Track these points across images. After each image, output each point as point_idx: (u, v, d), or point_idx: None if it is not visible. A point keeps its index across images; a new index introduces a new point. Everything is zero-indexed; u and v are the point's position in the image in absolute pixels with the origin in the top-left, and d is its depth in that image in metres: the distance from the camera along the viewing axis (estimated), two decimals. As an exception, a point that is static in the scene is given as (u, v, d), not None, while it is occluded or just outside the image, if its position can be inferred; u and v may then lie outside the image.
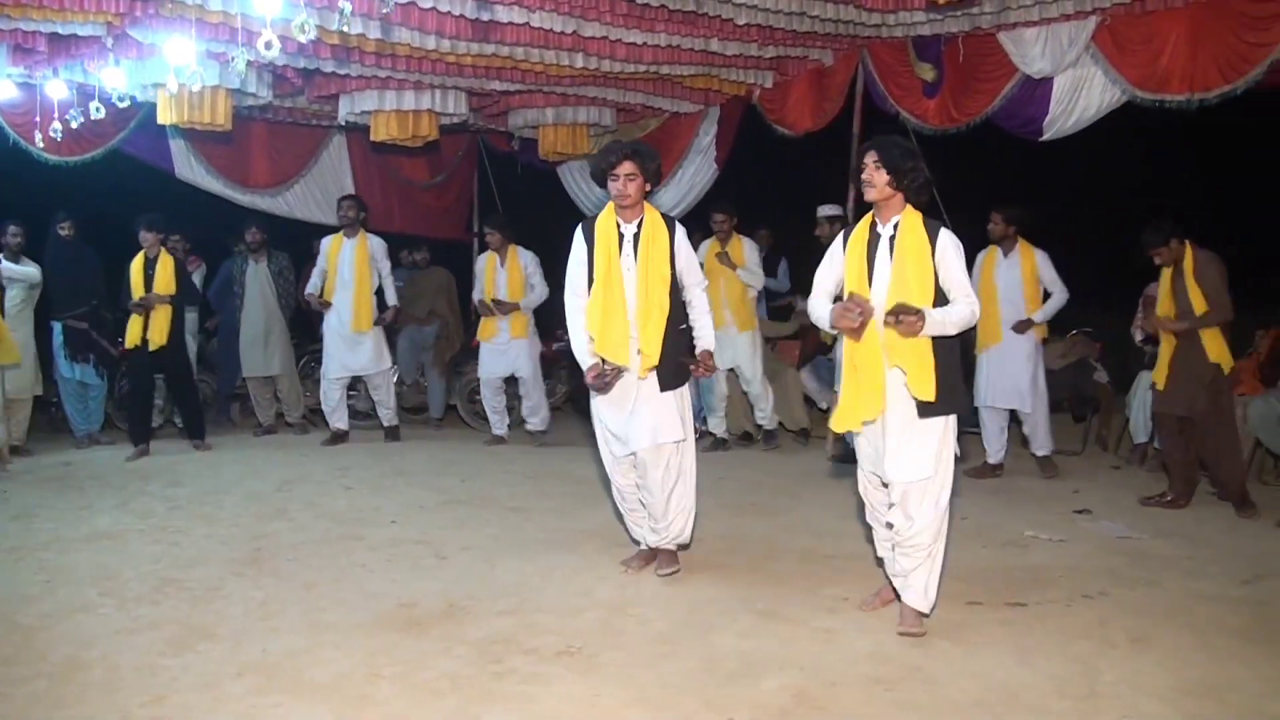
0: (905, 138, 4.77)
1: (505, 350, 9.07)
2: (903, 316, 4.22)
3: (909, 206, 4.47)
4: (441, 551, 5.76)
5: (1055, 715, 3.71)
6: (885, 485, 4.58)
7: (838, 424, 4.70)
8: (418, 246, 11.03)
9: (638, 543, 5.56)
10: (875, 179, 4.44)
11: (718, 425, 8.97)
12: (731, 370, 8.73)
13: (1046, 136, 7.82)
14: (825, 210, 8.73)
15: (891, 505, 4.54)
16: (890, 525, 4.56)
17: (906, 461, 4.42)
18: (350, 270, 9.01)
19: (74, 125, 8.10)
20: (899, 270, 4.39)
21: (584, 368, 5.24)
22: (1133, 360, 8.37)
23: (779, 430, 9.12)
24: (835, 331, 4.71)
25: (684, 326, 5.32)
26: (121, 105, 7.74)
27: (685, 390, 5.36)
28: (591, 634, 4.47)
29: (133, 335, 8.53)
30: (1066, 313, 7.80)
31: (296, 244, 10.31)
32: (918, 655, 4.23)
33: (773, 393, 8.92)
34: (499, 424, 9.34)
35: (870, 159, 4.46)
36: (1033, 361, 7.63)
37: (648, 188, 5.19)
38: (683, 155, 10.12)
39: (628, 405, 5.23)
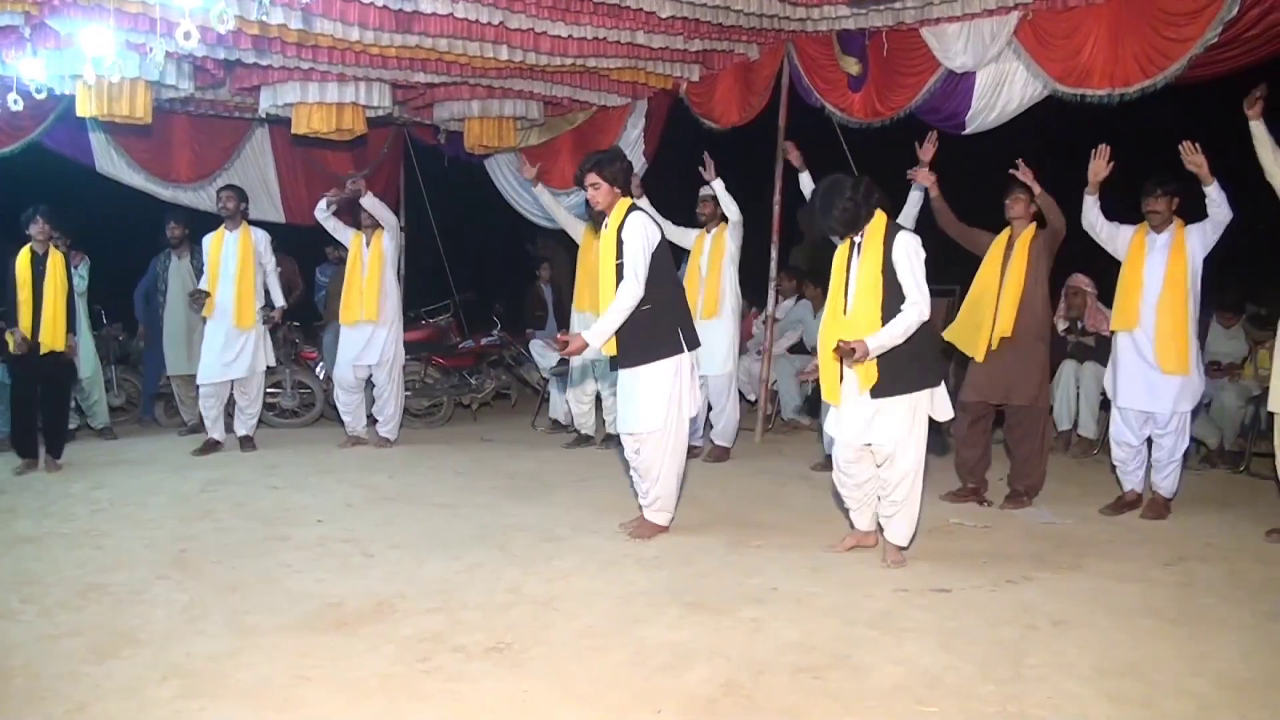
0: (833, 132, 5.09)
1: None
2: (844, 355, 4.98)
3: (876, 212, 5.16)
4: (369, 550, 5.71)
5: (979, 699, 3.76)
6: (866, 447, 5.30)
7: (825, 395, 5.40)
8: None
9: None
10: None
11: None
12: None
13: (969, 130, 7.92)
14: (706, 190, 8.49)
15: (879, 465, 5.31)
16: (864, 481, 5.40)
17: (878, 432, 5.17)
18: (234, 264, 8.59)
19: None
20: (860, 275, 5.14)
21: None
22: (1056, 349, 8.50)
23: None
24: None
25: (645, 307, 5.65)
26: (40, 97, 7.56)
27: (675, 376, 5.76)
28: (520, 630, 4.45)
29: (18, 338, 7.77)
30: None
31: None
32: (844, 643, 4.27)
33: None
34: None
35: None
36: None
37: (617, 189, 5.78)
38: (611, 148, 10.10)
39: (621, 388, 5.91)
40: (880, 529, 5.51)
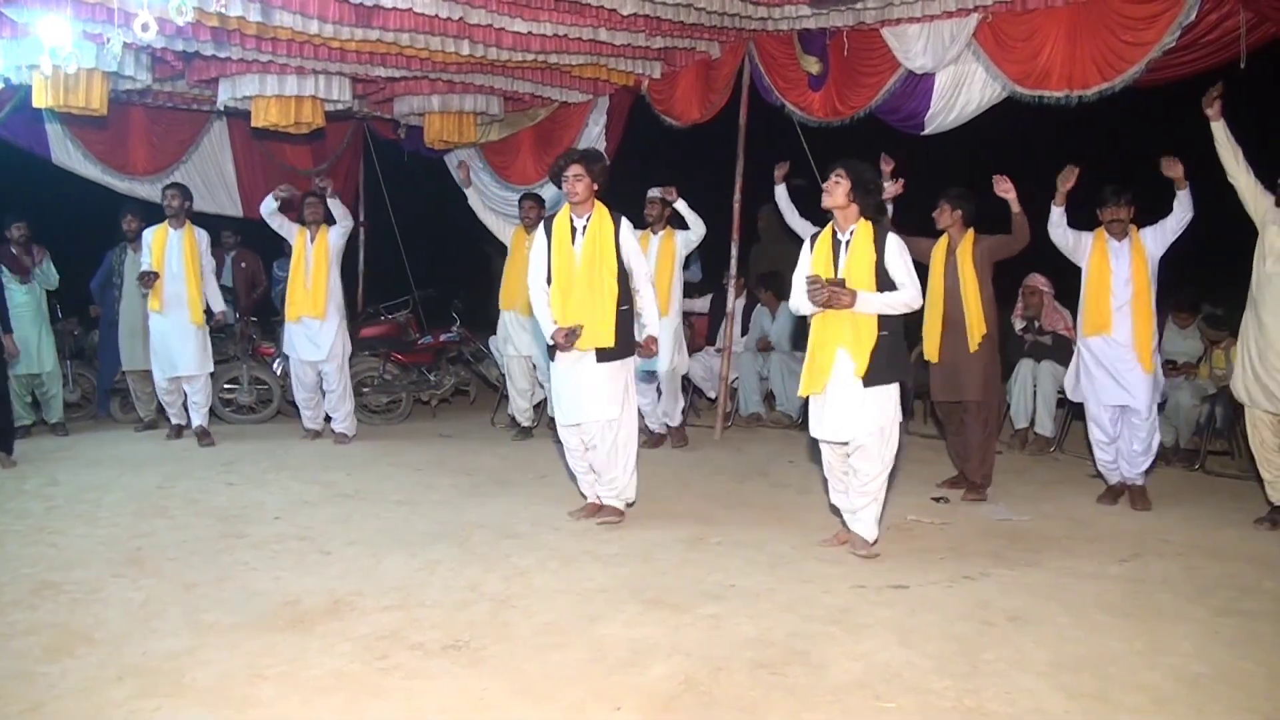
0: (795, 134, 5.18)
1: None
2: (834, 290, 5.18)
3: (862, 218, 5.39)
4: (325, 547, 5.68)
5: (936, 694, 3.79)
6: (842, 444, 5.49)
7: (802, 389, 5.57)
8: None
9: (585, 497, 6.40)
10: (835, 191, 5.36)
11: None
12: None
13: (928, 131, 7.99)
14: (654, 192, 8.61)
15: (849, 456, 5.46)
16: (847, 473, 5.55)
17: (854, 424, 5.34)
18: (179, 263, 8.67)
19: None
20: (852, 271, 5.33)
21: (548, 336, 6.02)
22: (1013, 348, 8.58)
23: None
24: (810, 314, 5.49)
25: (624, 308, 6.00)
26: (-4, 87, 7.47)
27: (626, 368, 6.10)
28: (478, 627, 4.44)
29: None
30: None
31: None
32: (802, 639, 4.29)
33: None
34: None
35: (837, 173, 5.37)
36: None
37: (595, 187, 6.00)
38: (573, 145, 10.08)
39: (575, 381, 6.04)
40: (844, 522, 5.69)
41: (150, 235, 8.74)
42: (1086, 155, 6.66)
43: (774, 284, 9.74)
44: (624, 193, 8.42)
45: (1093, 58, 6.95)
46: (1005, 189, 6.62)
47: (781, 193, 7.92)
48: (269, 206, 8.85)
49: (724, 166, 9.12)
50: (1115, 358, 6.53)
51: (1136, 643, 4.30)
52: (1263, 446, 6.11)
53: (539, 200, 8.93)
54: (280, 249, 10.18)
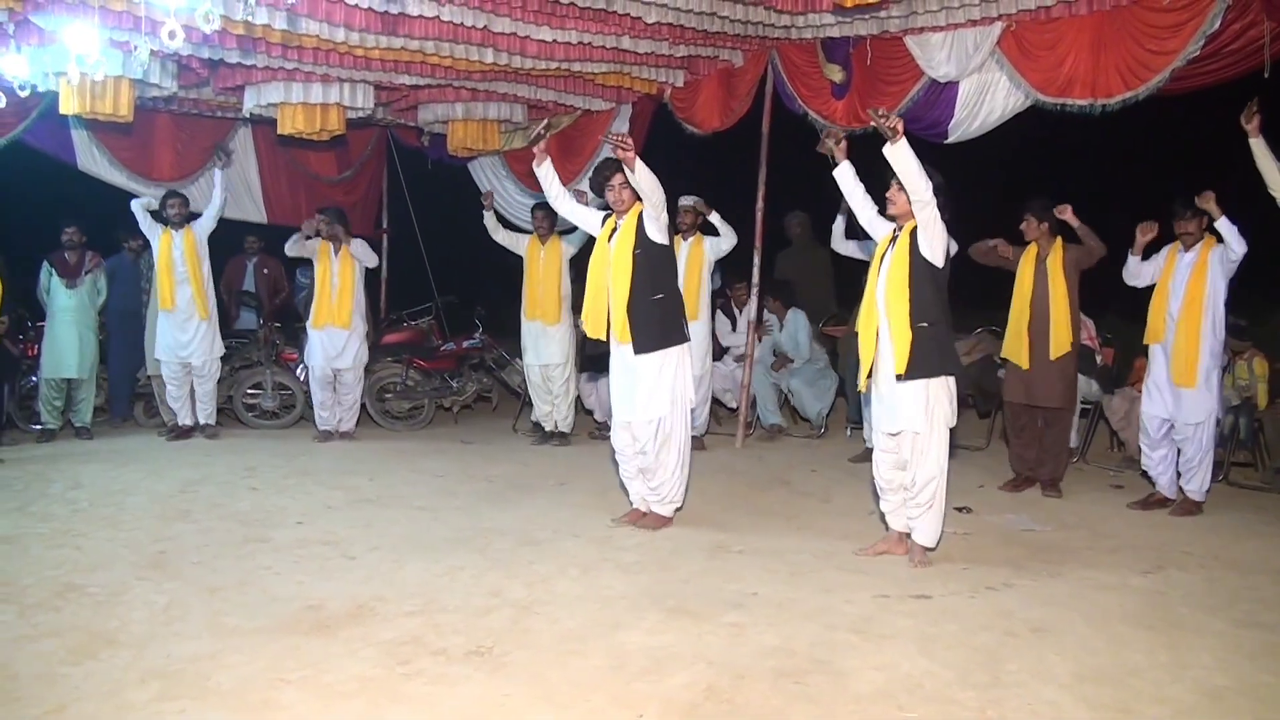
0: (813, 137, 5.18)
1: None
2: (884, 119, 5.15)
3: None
4: (349, 552, 5.70)
5: (959, 705, 3.77)
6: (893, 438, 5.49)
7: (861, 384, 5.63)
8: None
9: (631, 504, 6.39)
10: (897, 198, 5.39)
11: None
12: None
13: (951, 139, 7.95)
14: (686, 201, 8.70)
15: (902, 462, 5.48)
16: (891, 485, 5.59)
17: (899, 415, 5.37)
18: (184, 265, 9.03)
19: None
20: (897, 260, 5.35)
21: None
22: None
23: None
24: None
25: (658, 297, 6.01)
26: (23, 94, 7.51)
27: (673, 365, 6.09)
28: (500, 634, 4.45)
29: None
30: (972, 311, 7.91)
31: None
32: (824, 648, 4.28)
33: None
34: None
35: (897, 182, 5.33)
36: None
37: (635, 197, 6.03)
38: (595, 153, 10.09)
39: (623, 378, 6.15)
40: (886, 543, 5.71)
41: (159, 239, 9.05)
42: (1109, 162, 6.65)
43: (783, 292, 9.68)
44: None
45: (1116, 66, 6.91)
46: (1067, 216, 6.88)
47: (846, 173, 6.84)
48: (291, 246, 9.31)
49: (746, 175, 9.11)
50: (1164, 369, 6.73)
51: (1159, 655, 4.28)
52: None
53: (550, 210, 8.96)
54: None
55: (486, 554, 5.68)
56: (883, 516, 5.76)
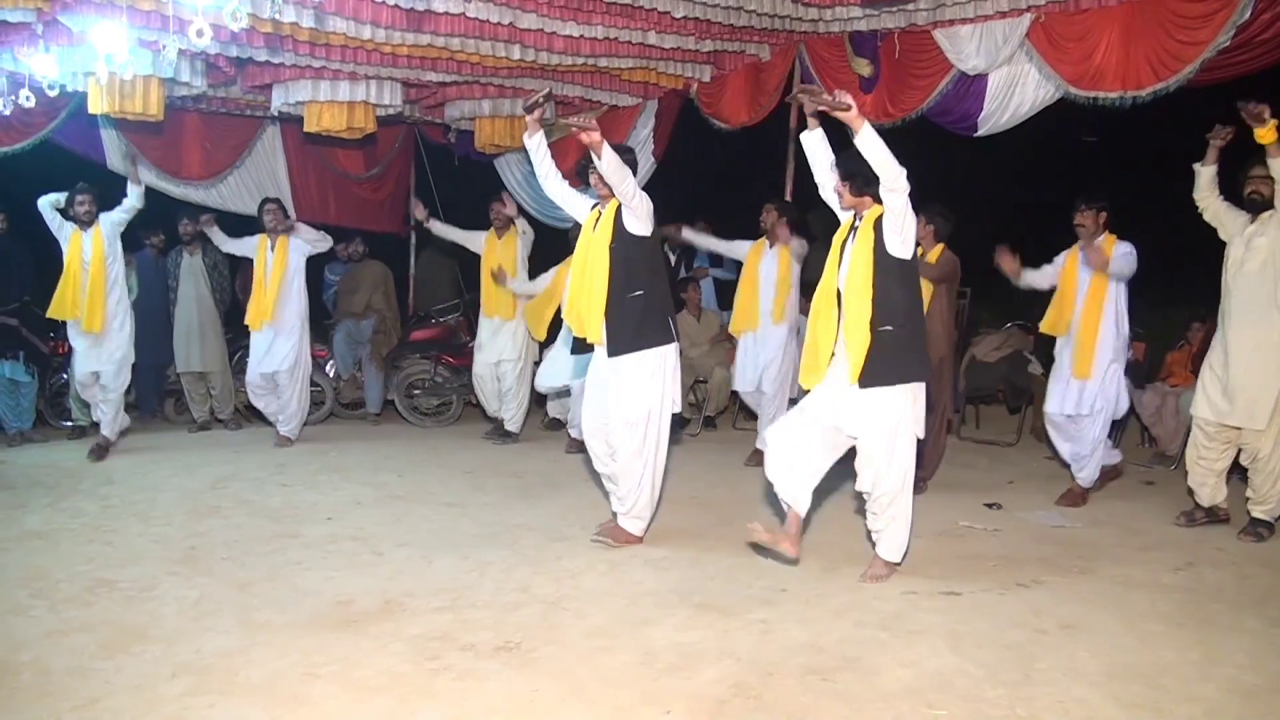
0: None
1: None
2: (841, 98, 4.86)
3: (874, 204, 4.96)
4: (378, 548, 5.72)
5: (989, 702, 3.75)
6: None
7: (802, 380, 5.17)
8: (353, 239, 10.93)
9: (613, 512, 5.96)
10: (843, 192, 5.07)
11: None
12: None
13: (981, 132, 7.90)
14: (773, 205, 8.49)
15: (862, 481, 5.07)
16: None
17: (857, 421, 4.94)
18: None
19: (6, 112, 7.94)
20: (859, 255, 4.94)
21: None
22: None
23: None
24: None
25: (636, 294, 5.56)
26: (52, 94, 7.56)
27: (649, 367, 5.61)
28: (529, 629, 4.46)
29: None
30: (1001, 305, 7.85)
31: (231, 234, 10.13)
32: (853, 645, 4.27)
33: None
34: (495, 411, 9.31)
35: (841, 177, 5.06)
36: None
37: None
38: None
39: (596, 379, 5.76)
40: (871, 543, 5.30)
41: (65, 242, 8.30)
42: (1133, 153, 6.59)
43: (811, 292, 9.60)
44: (671, 196, 8.45)
45: (1147, 58, 6.84)
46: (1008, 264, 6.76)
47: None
48: (227, 247, 9.20)
49: (773, 170, 9.08)
50: (1064, 363, 6.84)
51: (1190, 653, 4.25)
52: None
53: (504, 202, 8.89)
54: (332, 253, 10.25)
55: (515, 550, 5.69)
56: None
